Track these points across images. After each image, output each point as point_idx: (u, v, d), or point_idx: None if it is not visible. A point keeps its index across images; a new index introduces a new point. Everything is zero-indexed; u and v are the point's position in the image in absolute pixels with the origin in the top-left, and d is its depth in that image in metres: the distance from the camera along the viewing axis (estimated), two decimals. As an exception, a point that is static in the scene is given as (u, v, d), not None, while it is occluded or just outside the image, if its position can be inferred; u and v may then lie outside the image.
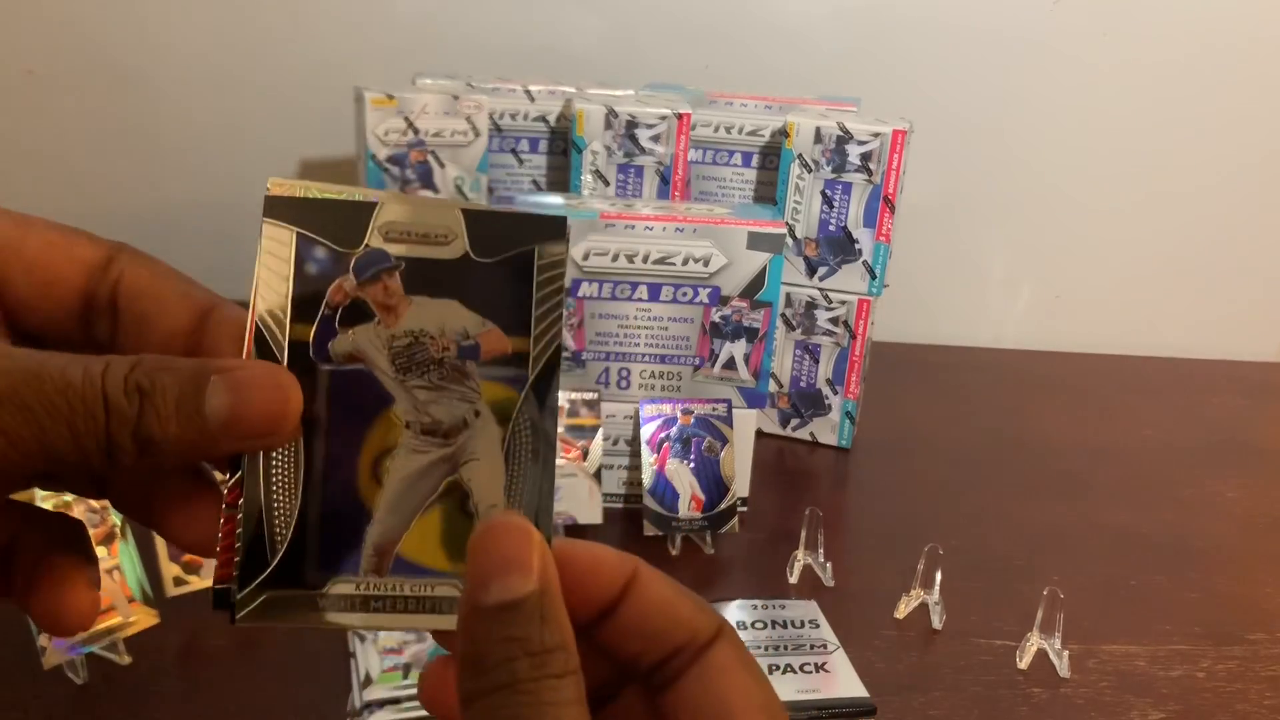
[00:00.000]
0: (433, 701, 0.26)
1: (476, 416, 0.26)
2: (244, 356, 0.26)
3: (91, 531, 0.55)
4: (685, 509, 0.73)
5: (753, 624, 0.61)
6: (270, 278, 0.26)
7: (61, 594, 0.26)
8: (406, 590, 0.26)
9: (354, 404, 0.26)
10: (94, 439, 0.23)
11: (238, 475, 0.25)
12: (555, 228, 0.27)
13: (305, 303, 0.26)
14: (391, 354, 0.26)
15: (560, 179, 0.89)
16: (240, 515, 0.25)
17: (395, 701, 0.53)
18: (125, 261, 0.28)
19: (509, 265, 0.26)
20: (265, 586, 0.25)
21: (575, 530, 0.72)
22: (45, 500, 0.49)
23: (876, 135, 0.81)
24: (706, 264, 0.74)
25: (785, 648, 0.59)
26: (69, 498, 0.55)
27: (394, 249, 0.26)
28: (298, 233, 0.26)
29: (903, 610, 0.67)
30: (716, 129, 0.88)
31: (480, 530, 0.24)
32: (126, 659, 0.57)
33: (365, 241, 0.26)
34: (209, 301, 0.27)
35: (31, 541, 0.27)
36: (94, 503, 0.55)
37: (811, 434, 0.90)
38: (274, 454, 0.25)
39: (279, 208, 0.26)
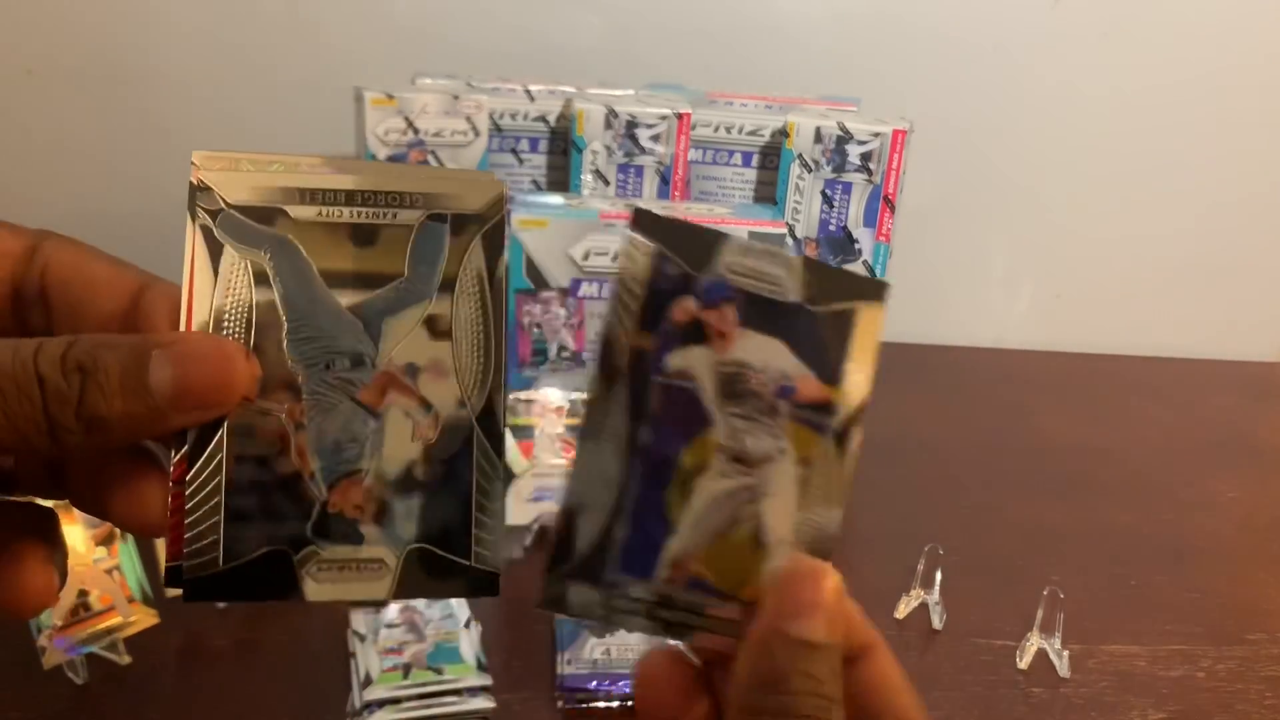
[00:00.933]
0: (646, 684, 0.27)
1: (781, 454, 0.27)
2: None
3: (91, 532, 0.55)
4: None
5: (753, 624, 0.61)
6: (627, 283, 0.27)
7: (14, 575, 0.26)
8: (695, 605, 0.27)
9: (678, 419, 0.27)
10: (31, 421, 0.23)
11: (183, 451, 0.25)
12: (878, 290, 0.29)
13: (652, 314, 0.27)
14: (718, 379, 0.27)
15: (560, 179, 0.89)
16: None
17: (395, 701, 0.53)
18: (50, 249, 0.27)
19: (832, 318, 0.28)
20: (566, 578, 0.26)
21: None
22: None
23: (877, 135, 0.81)
24: (706, 264, 0.74)
25: (785, 648, 0.59)
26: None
27: (734, 281, 0.27)
28: (658, 249, 0.27)
29: (903, 610, 0.67)
30: (716, 129, 0.88)
31: (800, 565, 0.26)
32: (126, 659, 0.57)
33: (713, 268, 0.27)
34: (141, 280, 0.27)
35: (8, 538, 0.27)
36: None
37: (811, 434, 0.90)
38: (598, 450, 0.26)
39: (645, 222, 0.27)
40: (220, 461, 0.26)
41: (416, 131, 0.83)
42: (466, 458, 0.27)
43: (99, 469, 0.27)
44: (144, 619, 0.58)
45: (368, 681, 0.54)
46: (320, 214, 0.26)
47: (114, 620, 0.56)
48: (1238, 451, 0.97)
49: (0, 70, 1.02)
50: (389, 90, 0.83)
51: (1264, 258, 1.19)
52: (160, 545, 0.61)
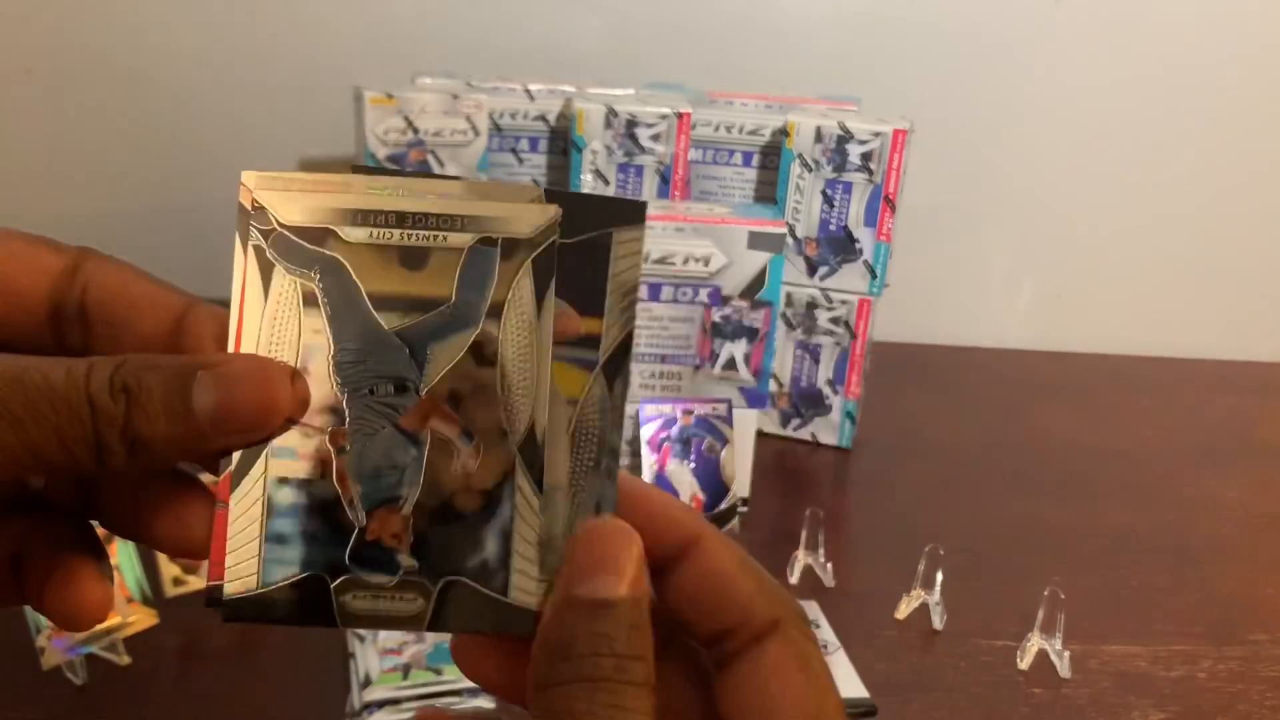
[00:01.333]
0: (464, 661, 0.27)
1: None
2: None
3: (90, 532, 0.55)
4: (685, 509, 0.73)
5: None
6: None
7: (72, 590, 0.26)
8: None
9: None
10: (82, 442, 0.23)
11: (227, 472, 0.25)
12: (635, 211, 0.26)
13: None
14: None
15: (560, 178, 0.89)
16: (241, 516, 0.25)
17: (395, 702, 0.53)
18: (91, 267, 0.27)
19: (586, 247, 0.26)
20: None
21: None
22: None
23: (877, 135, 0.81)
24: (707, 264, 0.74)
25: (786, 648, 0.59)
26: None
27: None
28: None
29: (903, 611, 0.67)
30: (717, 128, 0.87)
31: (586, 528, 0.25)
32: (126, 659, 0.57)
33: None
34: (185, 302, 0.27)
35: (40, 544, 0.27)
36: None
37: (812, 434, 0.90)
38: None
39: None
40: (262, 483, 0.26)
41: (416, 131, 0.83)
42: (508, 489, 0.26)
43: (138, 490, 0.27)
44: (143, 619, 0.58)
45: (367, 682, 0.54)
46: (371, 235, 0.26)
47: (113, 621, 0.56)
48: (1238, 451, 0.96)
49: (0, 70, 1.02)
50: (389, 90, 0.83)
51: (1265, 258, 1.19)
52: (160, 545, 0.61)
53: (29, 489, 0.28)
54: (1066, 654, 0.63)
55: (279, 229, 0.26)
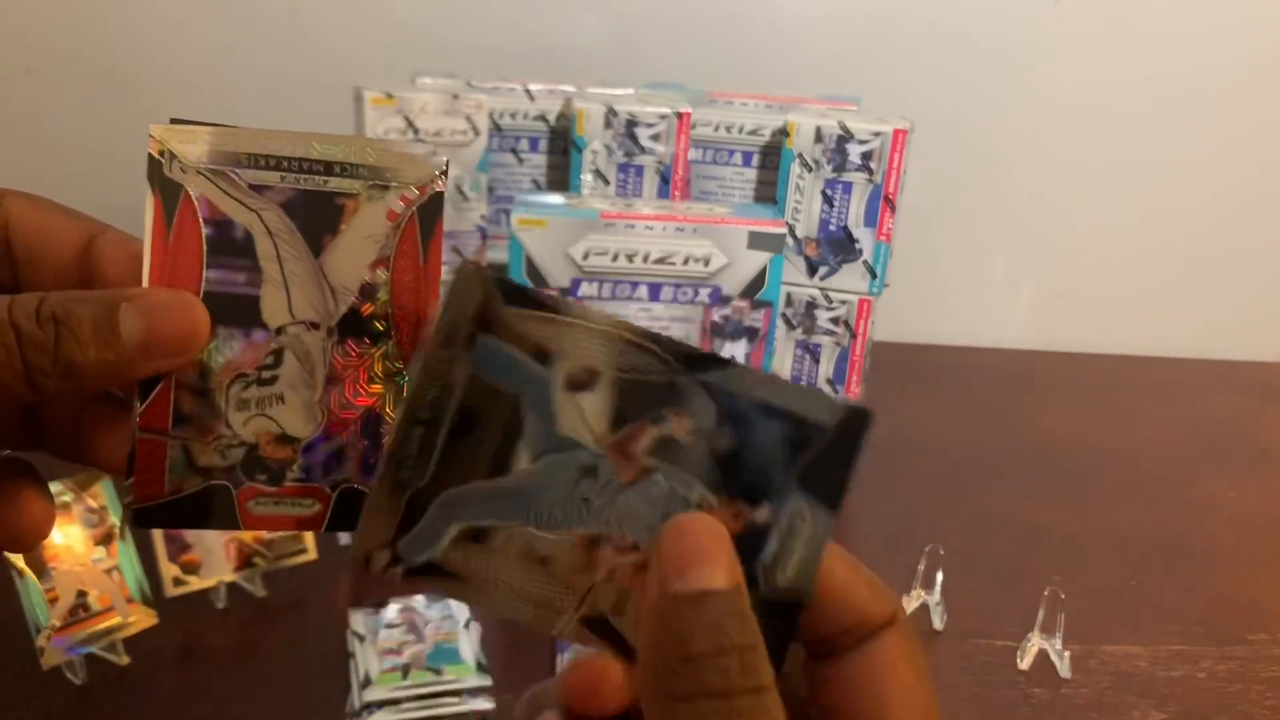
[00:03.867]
0: (574, 694, 0.27)
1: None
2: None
3: (90, 532, 0.55)
4: (685, 509, 0.73)
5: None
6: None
7: (16, 508, 0.28)
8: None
9: None
10: (9, 368, 0.25)
11: (149, 399, 0.28)
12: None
13: None
14: None
15: (560, 178, 0.89)
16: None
17: (395, 702, 0.53)
18: (9, 203, 0.29)
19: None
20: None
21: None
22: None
23: (877, 134, 0.81)
24: (707, 264, 0.74)
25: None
26: (68, 497, 0.55)
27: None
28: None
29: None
30: (716, 128, 0.87)
31: (673, 523, 0.24)
32: (125, 659, 0.57)
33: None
34: (93, 229, 0.30)
35: (7, 479, 0.29)
36: (91, 502, 0.55)
37: (812, 434, 0.90)
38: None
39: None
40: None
41: (416, 131, 0.83)
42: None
43: (76, 417, 0.29)
44: (143, 619, 0.57)
45: (367, 682, 0.54)
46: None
47: (113, 621, 0.56)
48: (1238, 451, 0.96)
49: (0, 70, 1.02)
50: (388, 89, 0.82)
51: (1265, 258, 1.19)
52: (160, 546, 0.61)
53: None
54: (1067, 654, 0.63)
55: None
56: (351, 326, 0.29)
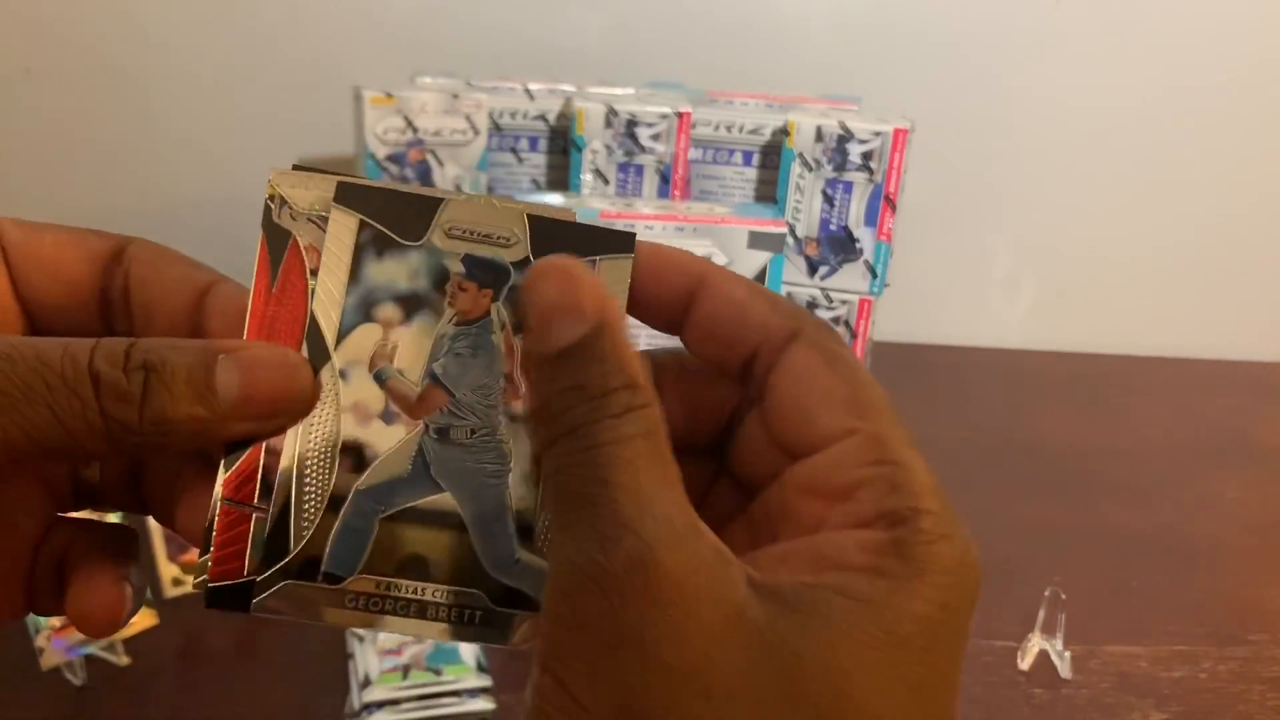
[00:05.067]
0: None
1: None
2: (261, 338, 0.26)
3: (90, 532, 0.55)
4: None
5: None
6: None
7: (86, 592, 0.26)
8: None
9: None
10: (82, 420, 0.23)
11: (237, 464, 0.25)
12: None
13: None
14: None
15: (560, 178, 0.89)
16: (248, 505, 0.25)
17: (394, 702, 0.53)
18: (134, 250, 0.27)
19: None
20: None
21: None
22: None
23: (878, 134, 0.81)
24: (707, 263, 0.74)
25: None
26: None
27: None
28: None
29: (903, 610, 0.67)
30: (717, 127, 0.87)
31: (529, 272, 0.23)
32: (125, 660, 0.57)
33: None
34: (207, 281, 0.27)
35: (78, 549, 0.27)
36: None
37: (812, 434, 0.90)
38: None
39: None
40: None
41: (416, 130, 0.83)
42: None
43: (171, 480, 0.27)
44: (143, 620, 0.57)
45: (367, 682, 0.54)
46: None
47: (113, 621, 0.56)
48: (1238, 451, 0.96)
49: (0, 70, 1.02)
50: (388, 89, 0.82)
51: (1264, 258, 1.19)
52: (159, 546, 0.61)
53: (86, 482, 0.28)
54: (1067, 654, 0.63)
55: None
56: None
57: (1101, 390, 1.09)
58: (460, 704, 0.53)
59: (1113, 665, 0.64)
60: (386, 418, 0.26)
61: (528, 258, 0.26)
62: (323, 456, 0.25)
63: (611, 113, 0.82)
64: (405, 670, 0.54)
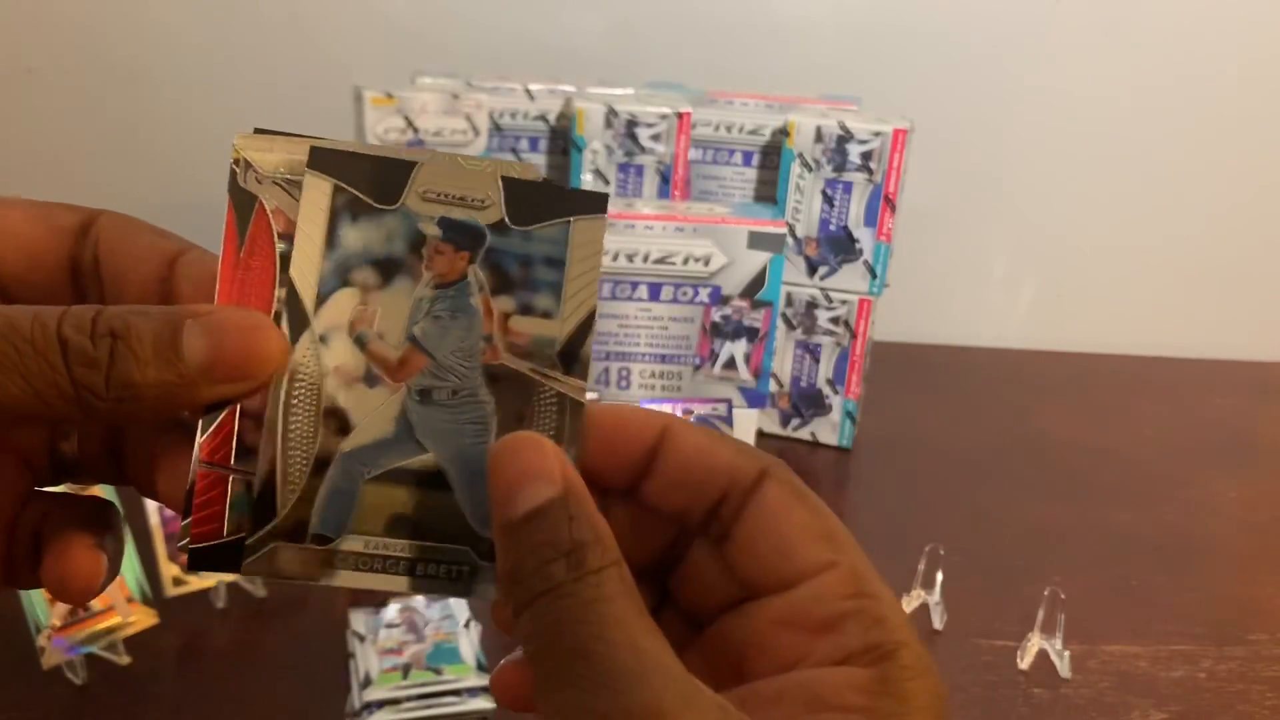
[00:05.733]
0: (504, 694, 0.27)
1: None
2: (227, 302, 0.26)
3: (90, 531, 0.55)
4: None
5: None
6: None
7: (63, 561, 0.26)
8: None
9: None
10: (53, 386, 0.23)
11: (212, 428, 0.25)
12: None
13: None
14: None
15: (560, 178, 0.89)
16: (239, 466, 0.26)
17: (395, 702, 0.53)
18: (104, 222, 0.28)
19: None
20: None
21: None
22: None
23: (877, 134, 0.81)
24: (707, 263, 0.74)
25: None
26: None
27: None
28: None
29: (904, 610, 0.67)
30: (717, 128, 0.87)
31: (495, 449, 0.24)
32: (125, 659, 0.57)
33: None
34: (176, 249, 0.27)
35: (54, 521, 0.27)
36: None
37: (812, 434, 0.90)
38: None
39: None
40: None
41: (416, 130, 0.83)
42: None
43: (150, 450, 0.27)
44: (143, 619, 0.57)
45: (367, 682, 0.54)
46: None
47: (113, 620, 0.56)
48: (1238, 451, 0.96)
49: (0, 69, 1.02)
50: (388, 89, 0.83)
51: (1264, 257, 1.19)
52: (160, 545, 0.61)
53: (64, 456, 0.29)
54: (1067, 654, 0.63)
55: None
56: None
57: (1101, 390, 1.09)
58: (460, 703, 0.53)
59: (1112, 665, 0.64)
60: (369, 381, 0.26)
61: (503, 219, 0.26)
62: (307, 420, 0.26)
63: (611, 113, 0.82)
64: (405, 670, 0.54)
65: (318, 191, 0.26)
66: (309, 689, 0.57)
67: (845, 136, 0.81)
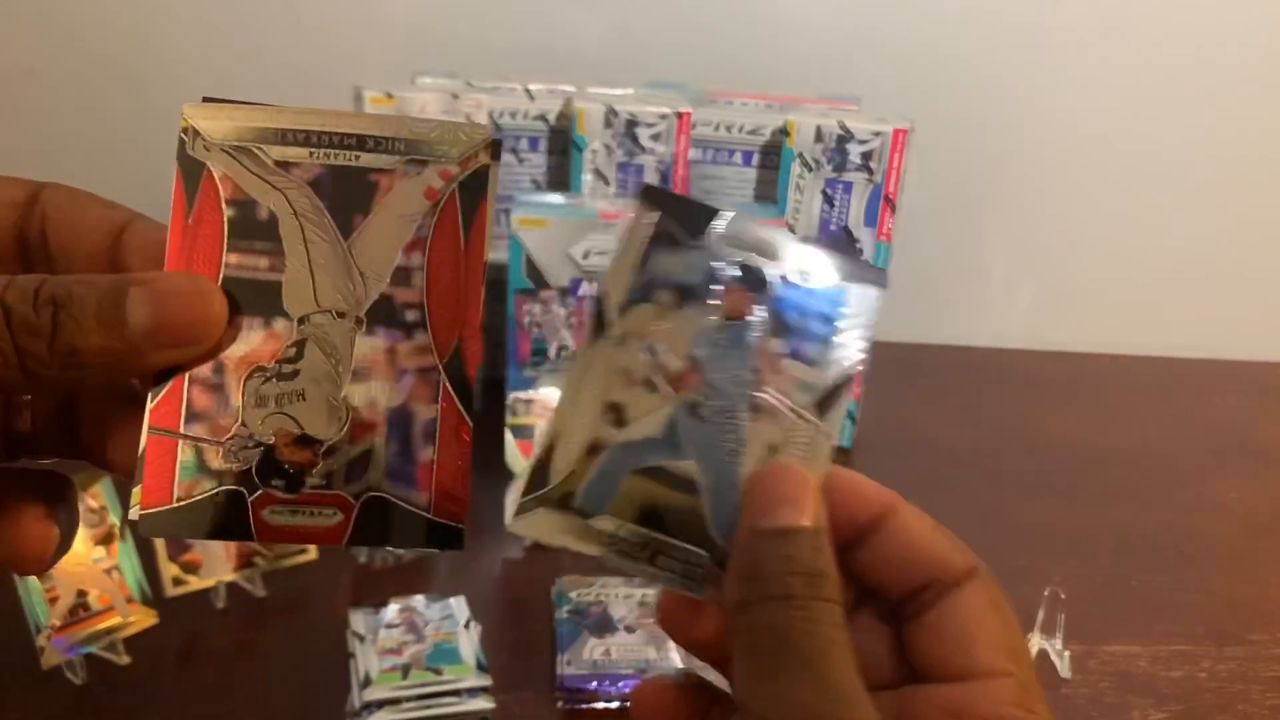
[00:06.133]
0: (668, 620, 0.28)
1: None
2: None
3: (91, 532, 0.55)
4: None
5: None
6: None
7: (14, 533, 0.27)
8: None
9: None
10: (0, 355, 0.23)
11: (161, 395, 0.26)
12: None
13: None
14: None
15: (560, 178, 0.89)
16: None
17: (395, 702, 0.53)
18: (49, 194, 0.28)
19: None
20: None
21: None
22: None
23: (877, 134, 0.81)
24: (707, 263, 0.74)
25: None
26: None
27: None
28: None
29: (903, 610, 0.67)
30: (717, 128, 0.87)
31: (763, 470, 0.27)
32: (125, 659, 0.57)
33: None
34: (123, 220, 0.28)
35: (8, 496, 0.27)
36: (92, 502, 0.55)
37: (812, 434, 0.90)
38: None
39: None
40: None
41: (416, 131, 0.83)
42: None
43: (103, 422, 0.28)
44: (143, 619, 0.57)
45: (367, 682, 0.54)
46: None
47: (113, 620, 0.56)
48: (1238, 451, 0.96)
49: (0, 70, 1.02)
50: (388, 89, 0.82)
51: (1265, 258, 1.19)
52: (160, 545, 0.61)
53: (18, 432, 0.29)
54: (1067, 654, 0.63)
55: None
56: (382, 316, 0.27)
57: (1101, 390, 1.09)
58: (460, 703, 0.53)
59: (1112, 665, 0.64)
60: (648, 386, 0.28)
61: (786, 274, 0.29)
62: (591, 408, 0.28)
63: (611, 113, 0.82)
64: (405, 670, 0.54)
65: (647, 220, 0.28)
66: (309, 689, 0.57)
67: (845, 136, 0.81)
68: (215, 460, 0.26)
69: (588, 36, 1.05)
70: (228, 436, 0.26)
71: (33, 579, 0.53)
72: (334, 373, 0.27)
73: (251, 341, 0.26)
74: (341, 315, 0.27)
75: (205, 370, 0.26)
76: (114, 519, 0.56)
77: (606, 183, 0.84)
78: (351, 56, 1.03)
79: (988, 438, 0.95)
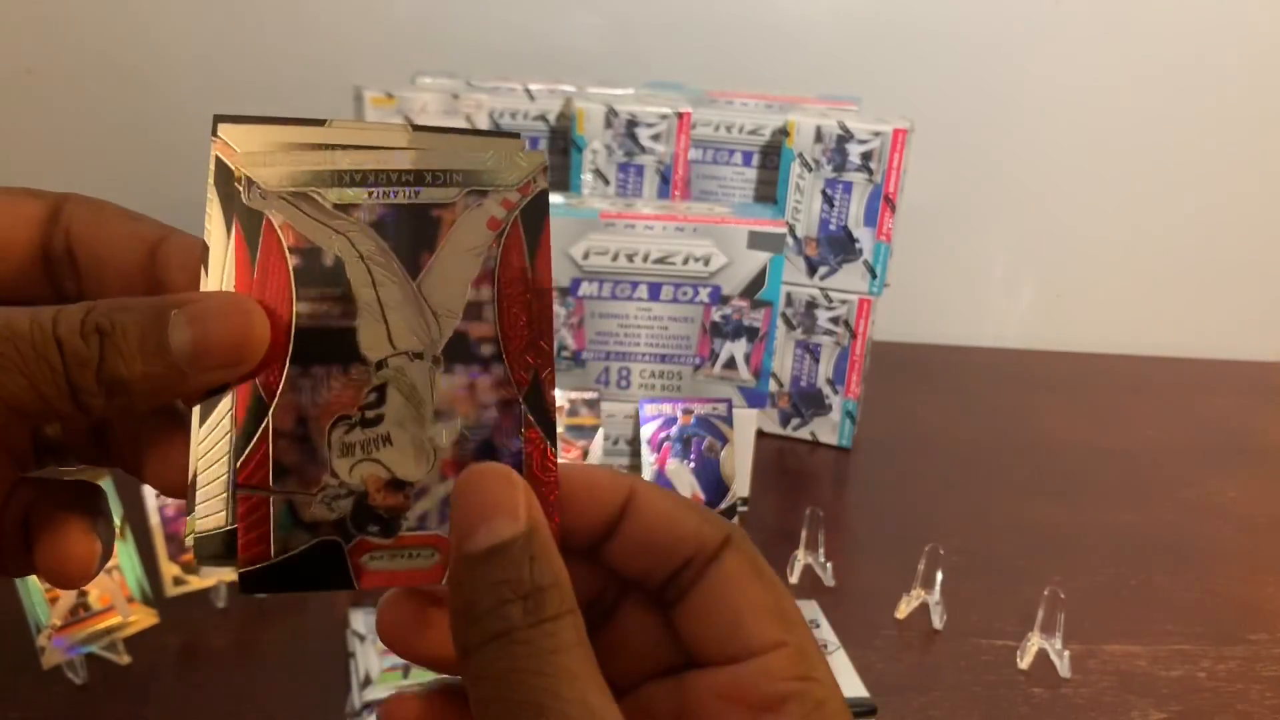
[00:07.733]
0: (390, 635, 0.26)
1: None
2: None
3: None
4: (686, 509, 0.73)
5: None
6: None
7: (57, 545, 0.26)
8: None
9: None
10: (53, 385, 0.23)
11: (246, 452, 0.25)
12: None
13: None
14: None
15: (560, 178, 0.89)
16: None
17: (395, 702, 0.53)
18: (72, 208, 0.27)
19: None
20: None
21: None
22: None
23: (877, 134, 0.81)
24: (707, 263, 0.74)
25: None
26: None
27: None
28: None
29: (903, 610, 0.67)
30: (717, 128, 0.87)
31: (462, 478, 0.24)
32: (126, 659, 0.57)
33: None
34: (157, 234, 0.27)
35: (44, 507, 0.27)
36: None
37: (812, 434, 0.90)
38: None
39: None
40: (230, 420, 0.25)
41: (416, 131, 0.83)
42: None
43: (138, 433, 0.27)
44: (143, 619, 0.58)
45: (367, 682, 0.54)
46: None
47: (113, 620, 0.56)
48: (1238, 451, 0.96)
49: (0, 70, 1.02)
50: (389, 89, 0.83)
51: (1265, 257, 1.19)
52: (160, 545, 0.61)
53: (48, 439, 0.28)
54: (1066, 654, 0.63)
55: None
56: (458, 353, 0.26)
57: (1101, 390, 1.09)
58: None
59: (1112, 664, 0.64)
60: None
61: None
62: None
63: (611, 113, 0.82)
64: (406, 669, 0.54)
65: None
66: (309, 689, 0.57)
67: (845, 136, 0.81)
68: (308, 512, 0.26)
69: (588, 36, 1.05)
70: (318, 488, 0.26)
71: (32, 578, 0.53)
72: (417, 414, 0.26)
73: (331, 390, 0.26)
74: (418, 356, 0.26)
75: (288, 423, 0.26)
76: (114, 518, 0.56)
77: (606, 183, 0.84)
78: (352, 56, 1.03)
79: (987, 438, 0.95)
